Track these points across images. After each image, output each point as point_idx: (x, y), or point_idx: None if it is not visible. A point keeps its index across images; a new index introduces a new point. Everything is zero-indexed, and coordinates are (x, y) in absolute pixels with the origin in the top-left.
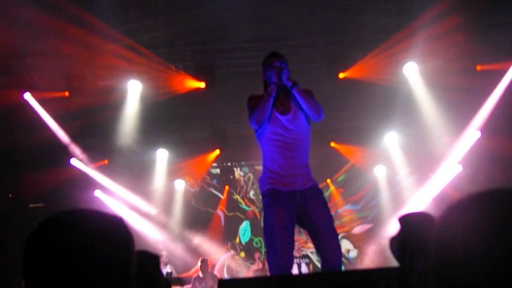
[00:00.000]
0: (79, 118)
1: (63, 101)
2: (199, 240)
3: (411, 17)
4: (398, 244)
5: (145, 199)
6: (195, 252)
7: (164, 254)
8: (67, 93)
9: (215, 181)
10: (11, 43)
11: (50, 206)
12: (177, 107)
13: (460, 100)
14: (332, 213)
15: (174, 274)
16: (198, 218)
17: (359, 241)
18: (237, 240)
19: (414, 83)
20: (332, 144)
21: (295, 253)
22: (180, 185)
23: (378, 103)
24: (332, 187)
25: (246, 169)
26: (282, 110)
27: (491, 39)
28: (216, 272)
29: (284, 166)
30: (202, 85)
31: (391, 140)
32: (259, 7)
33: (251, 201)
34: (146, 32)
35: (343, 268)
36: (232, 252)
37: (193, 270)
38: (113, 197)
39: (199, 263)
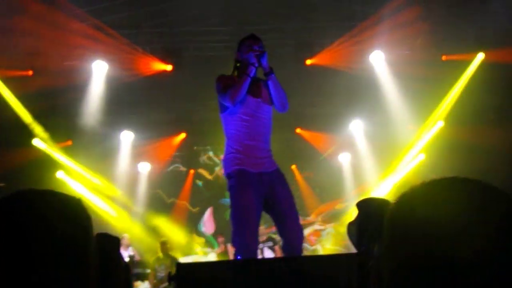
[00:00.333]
0: (43, 97)
1: (26, 80)
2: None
3: (377, 5)
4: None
5: (109, 181)
6: (157, 234)
7: (126, 236)
8: (30, 72)
9: (180, 165)
10: None
11: (12, 186)
12: (143, 90)
13: (424, 89)
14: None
15: (137, 257)
16: (162, 201)
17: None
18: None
19: (380, 72)
20: (298, 130)
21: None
22: (145, 167)
23: (344, 90)
24: (297, 174)
25: (211, 153)
26: (255, 94)
27: (457, 30)
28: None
29: (251, 148)
30: (168, 67)
31: (356, 128)
32: None
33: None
34: (112, 12)
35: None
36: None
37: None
38: (76, 178)
39: (159, 245)
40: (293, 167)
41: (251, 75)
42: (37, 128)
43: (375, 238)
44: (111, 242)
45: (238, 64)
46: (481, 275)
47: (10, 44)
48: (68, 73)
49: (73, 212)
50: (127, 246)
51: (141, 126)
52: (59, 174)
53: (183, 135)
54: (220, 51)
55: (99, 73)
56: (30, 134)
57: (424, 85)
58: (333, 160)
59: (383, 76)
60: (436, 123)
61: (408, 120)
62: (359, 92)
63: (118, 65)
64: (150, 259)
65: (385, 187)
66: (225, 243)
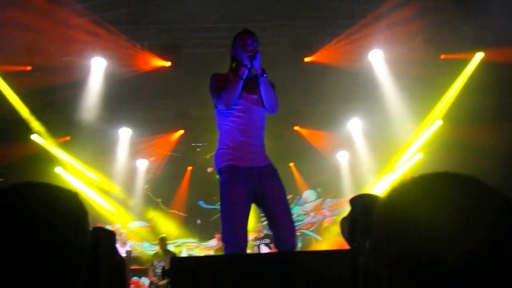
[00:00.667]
0: (41, 93)
1: (25, 75)
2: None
3: (376, 4)
4: (347, 225)
5: (106, 177)
6: (154, 230)
7: (123, 232)
8: (29, 67)
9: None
10: None
11: (10, 181)
12: (141, 86)
13: (423, 88)
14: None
15: (134, 253)
16: (160, 196)
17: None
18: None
19: (379, 70)
20: (296, 127)
21: (257, 235)
22: (143, 164)
23: (343, 88)
24: (294, 171)
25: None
26: (249, 91)
27: (456, 29)
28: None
29: (243, 144)
30: (167, 64)
31: (354, 126)
32: None
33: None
34: (111, 8)
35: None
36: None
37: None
38: (74, 174)
39: (158, 241)
40: (291, 164)
41: (243, 77)
42: (35, 123)
43: (367, 234)
44: (107, 235)
45: (233, 63)
46: (468, 278)
47: (9, 38)
48: (66, 69)
49: (68, 205)
50: (124, 242)
51: (139, 123)
52: (57, 169)
53: (181, 132)
54: (219, 48)
55: (97, 69)
56: (29, 129)
57: (422, 84)
58: (332, 158)
59: (382, 75)
60: (434, 122)
61: (406, 119)
62: (357, 91)
63: (116, 61)
64: (149, 255)
65: (383, 185)
66: (221, 239)
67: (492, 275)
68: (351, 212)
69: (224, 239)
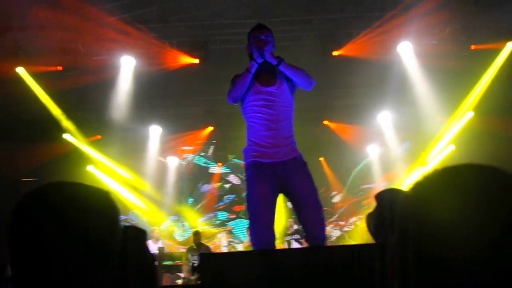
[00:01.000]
0: (72, 93)
1: (56, 76)
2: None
3: None
4: (373, 220)
5: (137, 175)
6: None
7: (155, 229)
8: (60, 68)
9: (207, 158)
10: (5, 14)
11: (43, 180)
12: (170, 83)
13: (453, 79)
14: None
15: (166, 250)
16: (191, 195)
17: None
18: None
19: (408, 62)
20: (325, 122)
21: (287, 230)
22: (173, 161)
23: (372, 82)
24: (325, 166)
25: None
26: (266, 83)
27: (486, 19)
28: None
29: (267, 138)
30: (196, 61)
31: (384, 119)
32: None
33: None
34: (140, 7)
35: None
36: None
37: None
38: (105, 172)
39: (192, 236)
40: (321, 159)
41: (252, 71)
42: (67, 123)
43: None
44: (138, 234)
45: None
46: (493, 271)
47: (41, 40)
48: (96, 68)
49: (100, 204)
50: (157, 239)
51: (169, 120)
52: (89, 168)
53: (210, 129)
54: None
55: (127, 67)
56: (60, 129)
57: (453, 76)
58: (362, 152)
59: (411, 67)
60: (465, 114)
61: (437, 111)
62: (387, 83)
63: (145, 60)
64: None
65: (413, 179)
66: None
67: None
68: (377, 207)
69: (250, 235)
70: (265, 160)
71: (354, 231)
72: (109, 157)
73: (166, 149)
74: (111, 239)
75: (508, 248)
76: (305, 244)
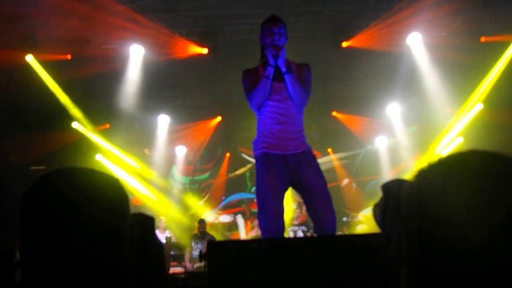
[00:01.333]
0: (81, 81)
1: (65, 64)
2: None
3: None
4: (379, 211)
5: (146, 164)
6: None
7: (163, 219)
8: (69, 56)
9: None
10: (16, 1)
11: (51, 169)
12: (179, 73)
13: (463, 71)
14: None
15: (173, 239)
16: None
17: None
18: None
19: (418, 54)
20: (334, 113)
21: (294, 221)
22: (181, 151)
23: (381, 73)
24: (333, 157)
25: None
26: (279, 79)
27: (497, 11)
28: None
29: (278, 131)
30: (204, 51)
31: (393, 111)
32: None
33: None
34: None
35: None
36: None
37: None
38: (114, 161)
39: (197, 224)
40: (329, 150)
41: (271, 77)
42: (75, 111)
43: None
44: (147, 221)
45: (263, 51)
46: (497, 256)
47: (50, 28)
48: (105, 57)
49: (111, 190)
50: (164, 229)
51: (177, 110)
52: (98, 157)
53: (219, 119)
54: (256, 34)
55: (136, 57)
56: (69, 118)
57: (462, 67)
58: (370, 144)
59: (421, 59)
60: (474, 106)
61: (446, 103)
62: (396, 75)
63: (154, 49)
64: (187, 238)
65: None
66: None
67: None
68: (383, 197)
69: (260, 225)
70: (275, 152)
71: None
72: (118, 146)
73: (175, 138)
74: (120, 225)
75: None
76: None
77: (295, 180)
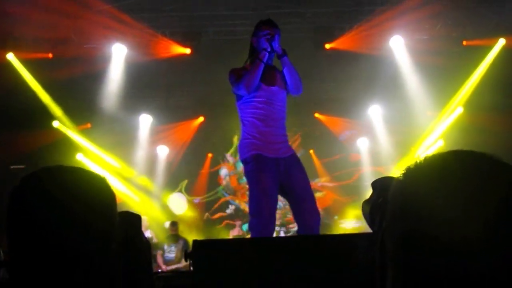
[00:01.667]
0: (62, 80)
1: (46, 63)
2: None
3: None
4: (369, 208)
5: (127, 164)
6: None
7: (145, 218)
8: (50, 55)
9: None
10: None
11: (32, 168)
12: (161, 73)
13: (444, 75)
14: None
15: (154, 239)
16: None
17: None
18: None
19: (400, 57)
20: (316, 115)
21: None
22: (163, 151)
23: (364, 75)
24: (314, 158)
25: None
26: (269, 81)
27: (478, 15)
28: None
29: (267, 134)
30: (187, 51)
31: (375, 113)
32: None
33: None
34: None
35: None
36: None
37: None
38: (95, 161)
39: (169, 225)
40: (311, 151)
41: (264, 60)
42: (57, 110)
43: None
44: (133, 220)
45: (253, 52)
46: (478, 254)
47: (32, 26)
48: (87, 56)
49: (99, 188)
50: (146, 228)
51: (159, 110)
52: (79, 157)
53: (201, 119)
54: (239, 35)
55: (118, 56)
56: (50, 117)
57: (444, 71)
58: (351, 145)
59: (403, 61)
60: (455, 110)
61: (427, 106)
62: (378, 77)
63: (137, 49)
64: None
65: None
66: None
67: (505, 255)
68: (373, 195)
69: (251, 226)
70: (268, 155)
71: None
72: (99, 146)
73: (157, 139)
74: (108, 224)
75: (496, 230)
76: None
77: (284, 183)
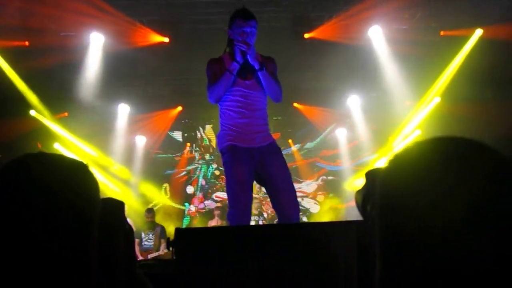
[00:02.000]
0: (39, 69)
1: (23, 51)
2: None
3: None
4: (360, 198)
5: (105, 153)
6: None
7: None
8: (27, 43)
9: (176, 138)
10: None
11: (8, 157)
12: (139, 62)
13: (422, 65)
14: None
15: (133, 228)
16: (158, 174)
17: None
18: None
19: (378, 47)
20: (295, 104)
21: (253, 211)
22: (141, 140)
23: (342, 65)
24: (293, 148)
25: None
26: (247, 76)
27: (456, 6)
28: None
29: (243, 125)
30: (166, 40)
31: (353, 103)
32: None
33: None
34: None
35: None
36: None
37: None
38: (72, 150)
39: (144, 212)
40: (290, 141)
41: (234, 73)
42: (33, 99)
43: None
44: (116, 206)
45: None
46: (460, 243)
47: (7, 14)
48: (64, 44)
49: (81, 175)
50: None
51: (137, 99)
52: (56, 146)
53: (179, 108)
54: (218, 24)
55: (95, 45)
56: (27, 105)
57: (422, 61)
58: (330, 135)
59: (381, 52)
60: (433, 100)
61: (405, 96)
62: (357, 68)
63: (115, 37)
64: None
65: (381, 162)
66: (220, 216)
67: (488, 238)
68: (365, 185)
69: (228, 216)
70: (242, 145)
71: None
72: (76, 135)
73: (135, 128)
74: (91, 210)
75: (481, 212)
76: None
77: (259, 173)
